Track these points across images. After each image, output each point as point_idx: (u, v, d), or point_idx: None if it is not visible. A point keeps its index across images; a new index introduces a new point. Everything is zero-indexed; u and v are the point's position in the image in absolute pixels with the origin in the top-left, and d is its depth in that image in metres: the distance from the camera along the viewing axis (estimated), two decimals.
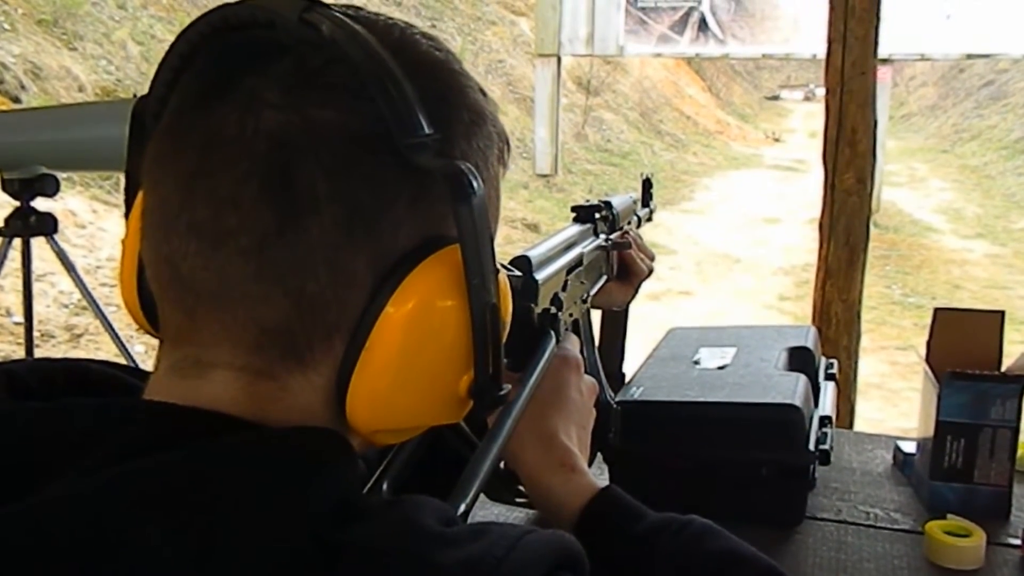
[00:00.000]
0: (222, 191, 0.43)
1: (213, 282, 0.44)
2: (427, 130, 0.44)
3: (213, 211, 0.43)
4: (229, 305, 0.44)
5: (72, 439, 0.42)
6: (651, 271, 1.08)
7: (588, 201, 0.96)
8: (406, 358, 0.46)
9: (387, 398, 0.46)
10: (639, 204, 1.15)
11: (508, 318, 0.51)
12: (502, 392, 0.49)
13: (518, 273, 0.70)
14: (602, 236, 0.95)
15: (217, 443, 0.41)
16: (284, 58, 0.44)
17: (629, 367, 1.14)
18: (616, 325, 1.10)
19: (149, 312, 0.50)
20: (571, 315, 0.82)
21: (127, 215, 0.51)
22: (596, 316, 1.00)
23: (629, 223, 1.07)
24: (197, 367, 0.45)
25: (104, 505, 0.38)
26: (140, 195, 0.48)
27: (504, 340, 0.49)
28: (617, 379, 1.08)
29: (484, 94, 0.51)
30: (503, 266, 0.63)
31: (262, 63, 0.44)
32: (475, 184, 0.45)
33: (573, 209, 0.95)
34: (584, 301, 0.88)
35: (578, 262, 0.84)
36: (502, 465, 0.70)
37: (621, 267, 1.03)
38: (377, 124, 0.44)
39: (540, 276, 0.72)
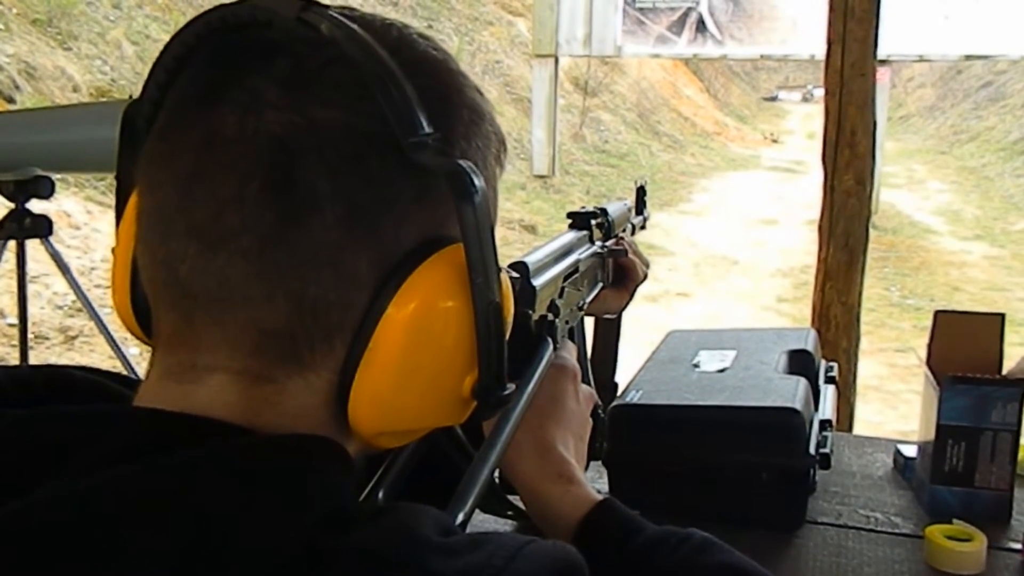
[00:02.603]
0: (222, 191, 0.42)
1: (213, 284, 0.43)
2: (427, 129, 0.44)
3: (213, 212, 0.43)
4: (229, 308, 0.43)
5: (53, 446, 0.41)
6: (645, 276, 1.07)
7: (584, 208, 0.96)
8: (409, 359, 0.45)
9: (390, 400, 0.45)
10: (633, 211, 1.14)
11: (510, 318, 0.50)
12: (506, 392, 0.49)
13: (515, 275, 0.69)
14: (598, 243, 0.94)
15: (205, 448, 0.40)
16: (283, 58, 0.44)
17: (626, 371, 1.14)
18: (609, 334, 1.09)
19: (143, 319, 0.49)
20: (567, 323, 0.81)
21: (118, 222, 0.50)
22: (589, 325, 0.99)
23: (624, 230, 1.06)
24: (193, 372, 0.44)
25: (85, 512, 0.37)
26: (132, 200, 0.47)
27: (507, 340, 0.48)
28: (610, 389, 1.07)
29: (481, 94, 0.51)
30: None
31: (261, 63, 0.44)
32: (476, 182, 0.44)
33: (569, 216, 0.94)
34: (580, 308, 0.88)
35: (574, 269, 0.83)
36: (497, 475, 0.69)
37: (617, 272, 1.02)
38: (378, 123, 0.43)
39: (537, 282, 0.71)
